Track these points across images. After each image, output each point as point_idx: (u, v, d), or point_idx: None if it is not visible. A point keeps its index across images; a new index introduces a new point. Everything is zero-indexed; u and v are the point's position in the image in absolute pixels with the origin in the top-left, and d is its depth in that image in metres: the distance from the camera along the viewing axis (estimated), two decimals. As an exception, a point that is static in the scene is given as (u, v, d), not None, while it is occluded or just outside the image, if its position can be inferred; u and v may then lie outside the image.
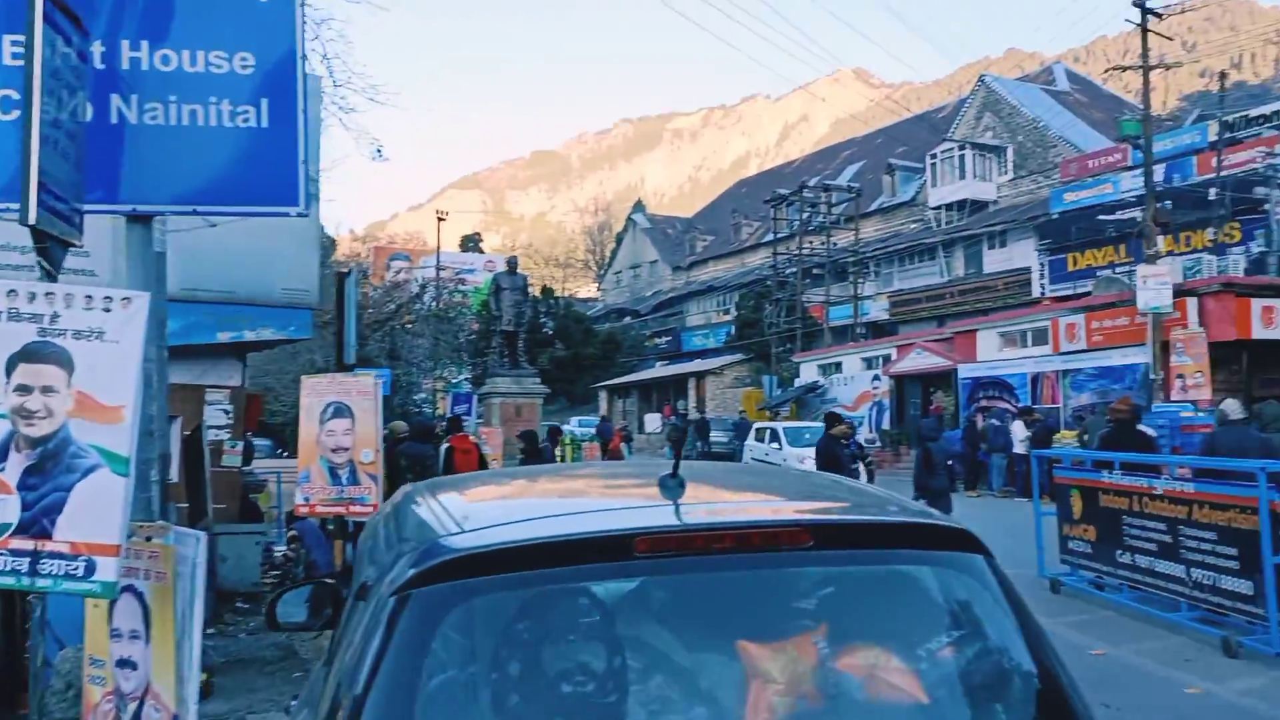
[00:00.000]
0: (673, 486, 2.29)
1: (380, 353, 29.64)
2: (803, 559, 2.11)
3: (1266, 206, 26.15)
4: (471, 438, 15.73)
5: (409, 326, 32.78)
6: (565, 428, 36.00)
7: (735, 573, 2.08)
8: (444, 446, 13.65)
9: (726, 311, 51.33)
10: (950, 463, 12.91)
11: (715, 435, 35.19)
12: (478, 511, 2.49)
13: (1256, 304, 21.32)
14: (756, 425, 26.79)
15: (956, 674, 2.11)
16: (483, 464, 14.26)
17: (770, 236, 47.51)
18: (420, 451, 11.82)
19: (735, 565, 2.07)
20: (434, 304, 35.17)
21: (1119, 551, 9.52)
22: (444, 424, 16.09)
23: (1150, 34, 23.61)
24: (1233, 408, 10.07)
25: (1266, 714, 6.33)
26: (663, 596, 2.16)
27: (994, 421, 22.98)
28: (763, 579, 2.10)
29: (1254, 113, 31.31)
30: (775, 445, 24.79)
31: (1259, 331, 21.22)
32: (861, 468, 13.42)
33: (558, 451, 20.34)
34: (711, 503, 2.45)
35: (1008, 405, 25.11)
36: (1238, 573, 7.92)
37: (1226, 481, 8.30)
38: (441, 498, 2.55)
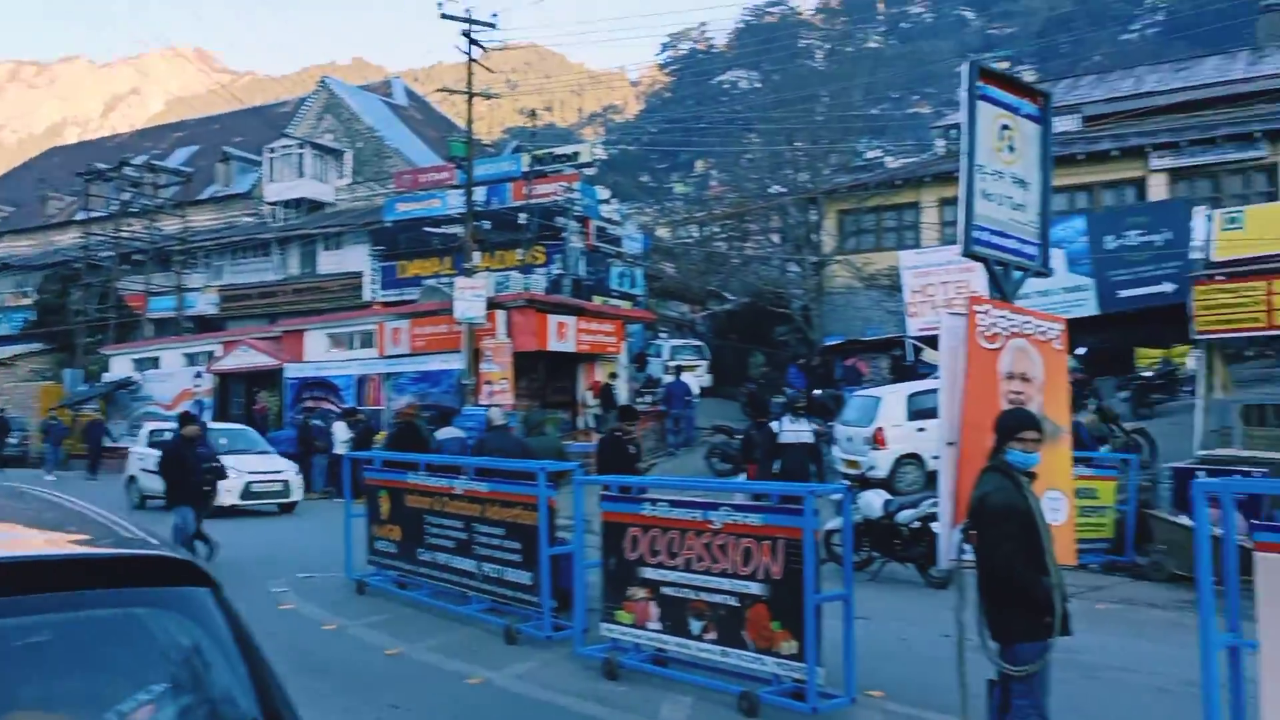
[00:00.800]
0: None
1: None
2: None
3: (564, 234, 29.64)
4: None
5: None
6: None
7: None
8: None
9: (25, 294, 44.75)
10: (215, 464, 12.37)
11: (12, 438, 30.26)
12: None
13: (553, 320, 24.08)
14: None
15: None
16: None
17: (84, 215, 42.49)
18: None
19: None
20: None
21: (421, 550, 9.89)
22: None
23: (479, 66, 25.49)
24: (497, 415, 11.20)
25: (532, 694, 6.92)
26: None
27: (317, 422, 22.93)
28: None
29: (558, 151, 35.43)
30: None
31: (554, 344, 24.01)
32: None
33: None
34: None
35: (333, 406, 25.23)
36: (520, 565, 8.63)
37: (514, 480, 9.01)
38: None
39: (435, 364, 24.48)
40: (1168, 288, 20.07)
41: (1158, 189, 25.07)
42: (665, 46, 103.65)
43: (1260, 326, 13.40)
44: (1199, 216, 15.26)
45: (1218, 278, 13.70)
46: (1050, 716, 4.78)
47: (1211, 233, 14.36)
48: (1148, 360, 20.47)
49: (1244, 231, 14.03)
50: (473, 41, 25.03)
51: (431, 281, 29.85)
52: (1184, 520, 11.11)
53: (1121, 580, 11.38)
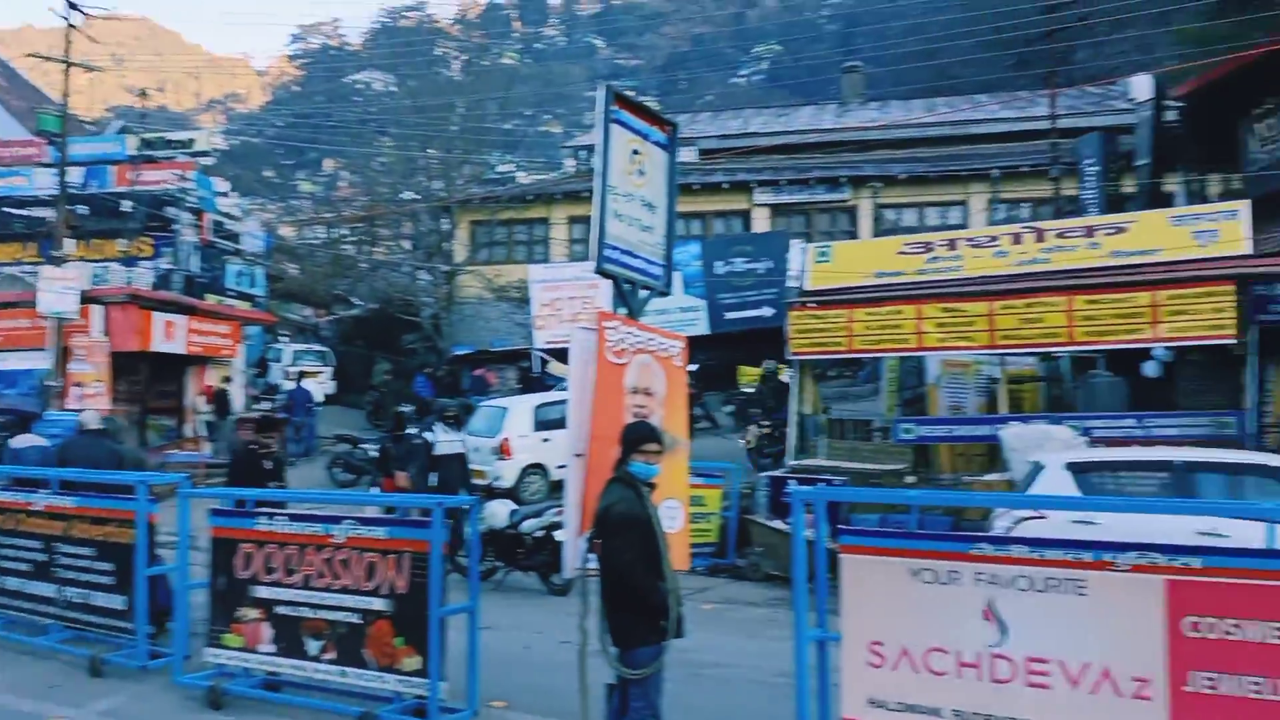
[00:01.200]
0: None
1: None
2: None
3: (176, 226, 27.37)
4: None
5: None
6: None
7: None
8: None
9: None
10: None
11: None
12: None
13: (159, 318, 22.12)
14: None
15: None
16: None
17: None
18: None
19: None
20: None
21: (-11, 575, 8.64)
22: None
23: (79, 34, 22.95)
24: (90, 418, 10.10)
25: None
26: None
27: None
28: None
29: (172, 136, 32.71)
30: None
31: (160, 344, 22.06)
32: None
33: None
34: None
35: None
36: (112, 588, 7.79)
37: (107, 494, 8.13)
38: None
39: (13, 362, 21.68)
40: (767, 311, 22.02)
41: (760, 221, 27.53)
42: (295, 38, 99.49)
43: (843, 350, 15.11)
44: (795, 249, 16.88)
45: (809, 305, 15.23)
46: (663, 716, 5.02)
47: (805, 264, 15.92)
48: (748, 378, 22.33)
49: (832, 264, 15.70)
50: (73, 6, 22.51)
51: (12, 269, 26.41)
52: (779, 524, 12.21)
53: (724, 581, 12.27)
